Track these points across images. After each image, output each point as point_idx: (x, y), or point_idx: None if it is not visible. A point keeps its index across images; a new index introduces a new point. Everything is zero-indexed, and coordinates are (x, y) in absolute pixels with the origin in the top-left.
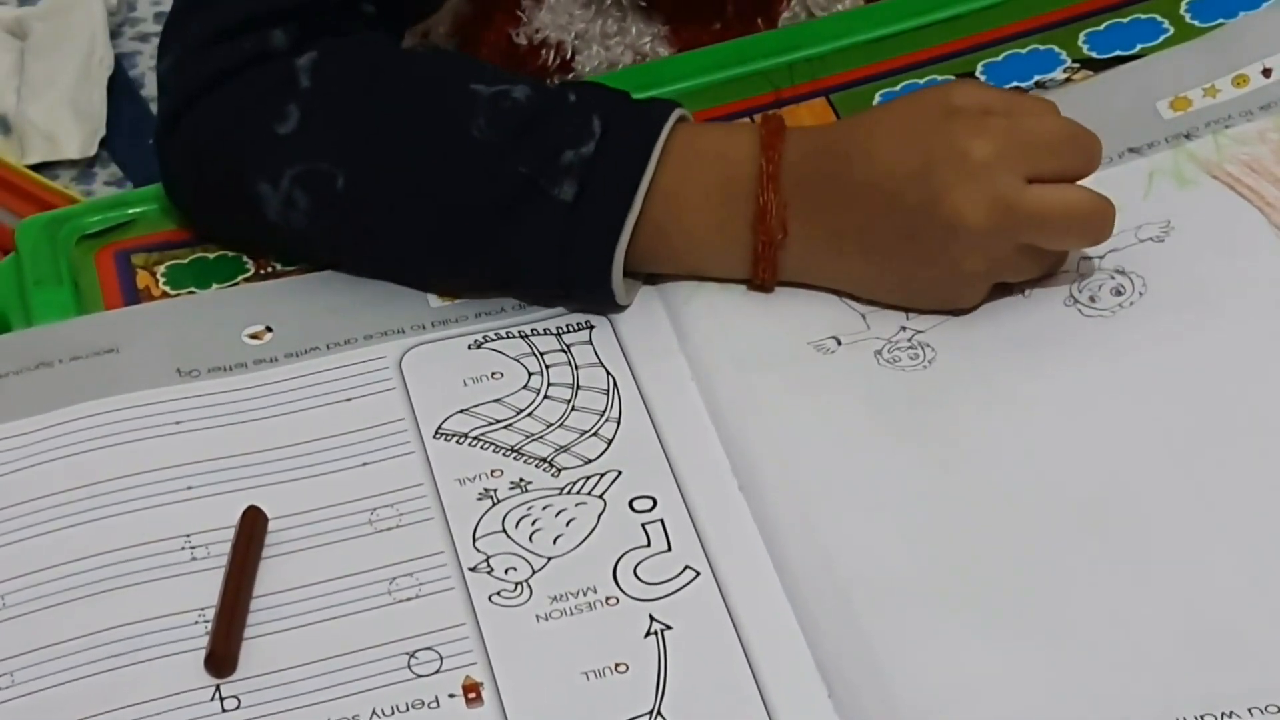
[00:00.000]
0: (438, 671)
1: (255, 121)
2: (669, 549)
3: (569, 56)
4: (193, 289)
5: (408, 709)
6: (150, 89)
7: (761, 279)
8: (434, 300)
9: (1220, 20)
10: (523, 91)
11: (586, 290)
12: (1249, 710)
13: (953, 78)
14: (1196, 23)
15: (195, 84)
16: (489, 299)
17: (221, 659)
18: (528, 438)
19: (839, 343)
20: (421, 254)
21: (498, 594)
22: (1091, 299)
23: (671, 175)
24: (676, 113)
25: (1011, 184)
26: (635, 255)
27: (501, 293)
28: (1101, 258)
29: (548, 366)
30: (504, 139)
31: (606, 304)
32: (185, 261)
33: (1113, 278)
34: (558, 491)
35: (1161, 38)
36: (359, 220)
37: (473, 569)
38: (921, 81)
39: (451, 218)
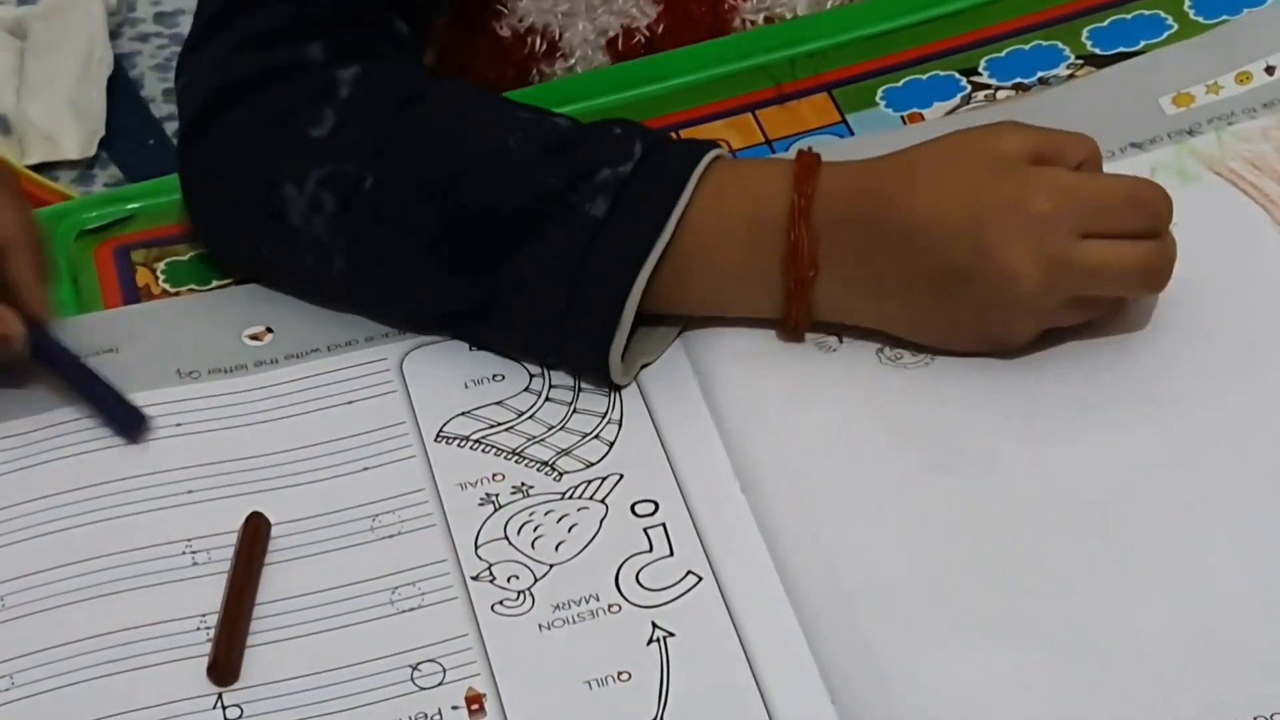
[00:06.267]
0: (440, 684)
1: (290, 123)
2: (671, 554)
3: (556, 38)
4: (192, 286)
5: None
6: (150, 89)
7: (795, 320)
8: None
9: (1224, 17)
10: (565, 121)
11: (592, 316)
12: (1252, 718)
13: (958, 75)
14: (1201, 19)
15: (229, 88)
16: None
17: (224, 667)
18: (529, 440)
19: (841, 340)
20: (436, 263)
21: (500, 603)
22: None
23: (705, 205)
24: (717, 150)
25: (1068, 239)
26: (661, 287)
27: (495, 326)
28: None
29: (549, 368)
30: (540, 153)
31: (604, 341)
32: (185, 258)
33: None
34: (559, 496)
35: (1165, 34)
36: (380, 224)
37: (475, 577)
38: (925, 78)
39: (475, 227)
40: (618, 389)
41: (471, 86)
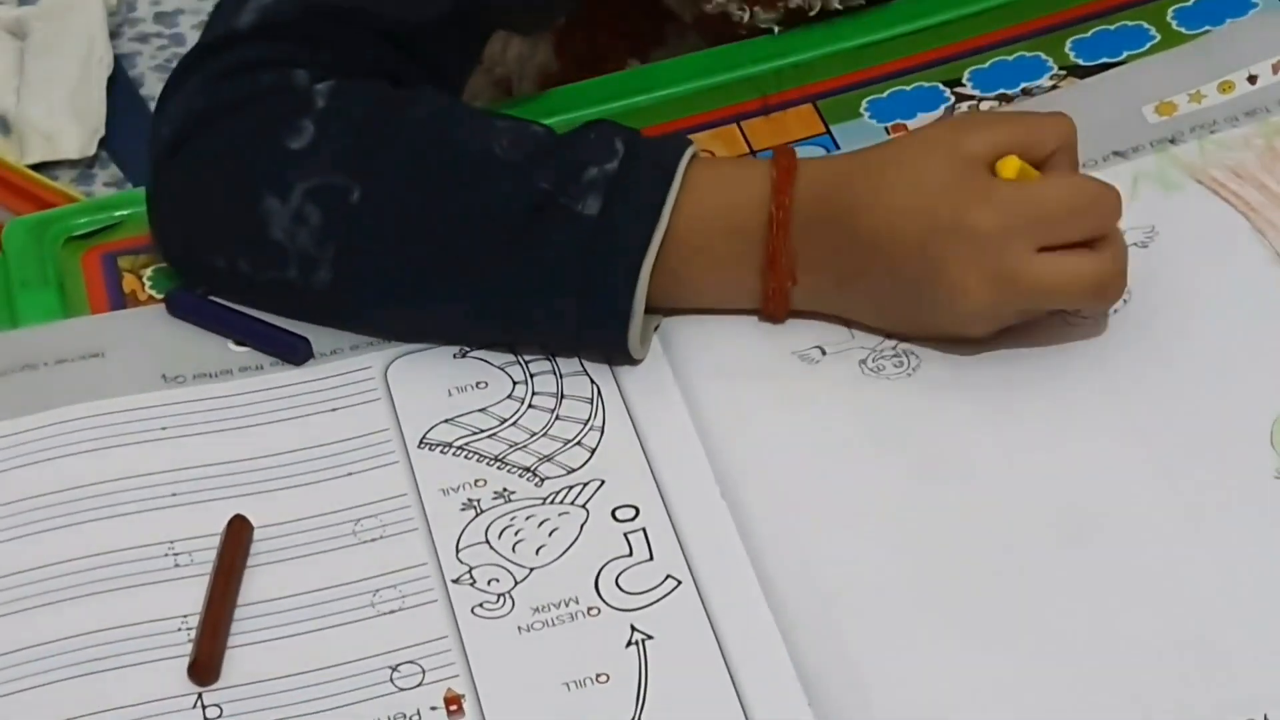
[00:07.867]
0: (420, 685)
1: (266, 136)
2: (651, 558)
3: None
4: None
5: None
6: (150, 89)
7: (772, 314)
8: None
9: (1207, 28)
10: (542, 128)
11: (605, 313)
12: None
13: (942, 87)
14: (1183, 30)
15: (210, 110)
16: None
17: (205, 667)
18: (511, 447)
19: (824, 352)
20: (432, 271)
21: (480, 605)
22: None
23: (689, 203)
24: (694, 146)
25: (1017, 257)
26: (653, 283)
27: (505, 325)
28: None
29: (532, 375)
30: (526, 156)
31: (620, 334)
32: None
33: None
34: (541, 501)
35: (1148, 44)
36: (371, 235)
37: (455, 580)
38: (909, 89)
39: (469, 231)
40: (600, 395)
41: (444, 94)
